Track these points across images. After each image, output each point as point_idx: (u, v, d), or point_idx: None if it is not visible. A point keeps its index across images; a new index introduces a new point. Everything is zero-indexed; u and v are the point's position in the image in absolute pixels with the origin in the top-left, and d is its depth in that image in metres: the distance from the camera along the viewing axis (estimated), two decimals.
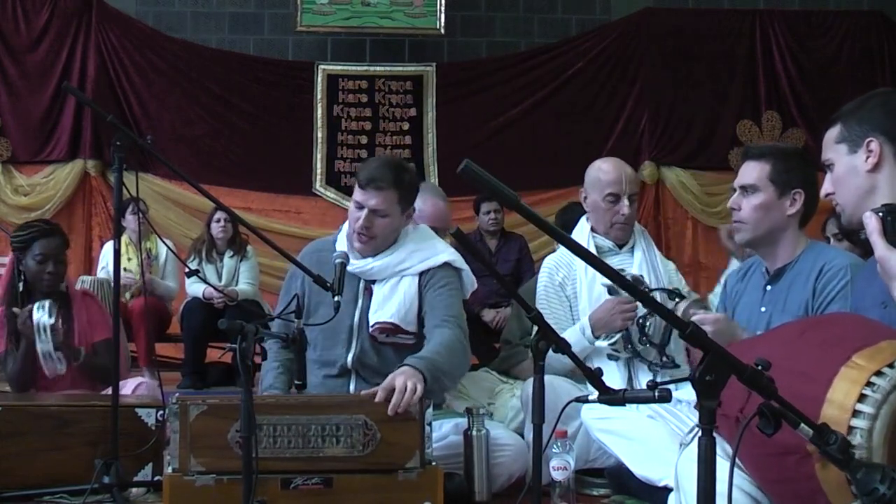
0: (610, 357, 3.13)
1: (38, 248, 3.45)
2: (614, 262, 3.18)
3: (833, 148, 1.97)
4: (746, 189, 2.57)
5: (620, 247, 3.27)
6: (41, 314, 3.25)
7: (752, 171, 2.58)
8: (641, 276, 3.14)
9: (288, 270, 3.15)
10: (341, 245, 3.00)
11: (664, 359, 3.05)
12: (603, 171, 3.24)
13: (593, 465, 3.10)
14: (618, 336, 3.11)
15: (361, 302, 2.95)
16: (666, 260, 3.36)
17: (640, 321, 3.07)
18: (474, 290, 3.17)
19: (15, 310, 3.41)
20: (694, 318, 2.37)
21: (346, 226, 3.03)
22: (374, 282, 2.96)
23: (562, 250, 3.38)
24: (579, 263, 3.22)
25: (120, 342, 3.11)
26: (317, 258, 2.95)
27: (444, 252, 3.01)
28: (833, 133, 1.98)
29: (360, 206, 2.89)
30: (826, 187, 2.01)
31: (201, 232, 6.10)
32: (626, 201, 3.19)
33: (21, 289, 3.45)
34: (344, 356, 2.92)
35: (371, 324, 2.91)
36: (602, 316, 3.10)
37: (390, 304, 2.91)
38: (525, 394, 3.34)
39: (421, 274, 2.96)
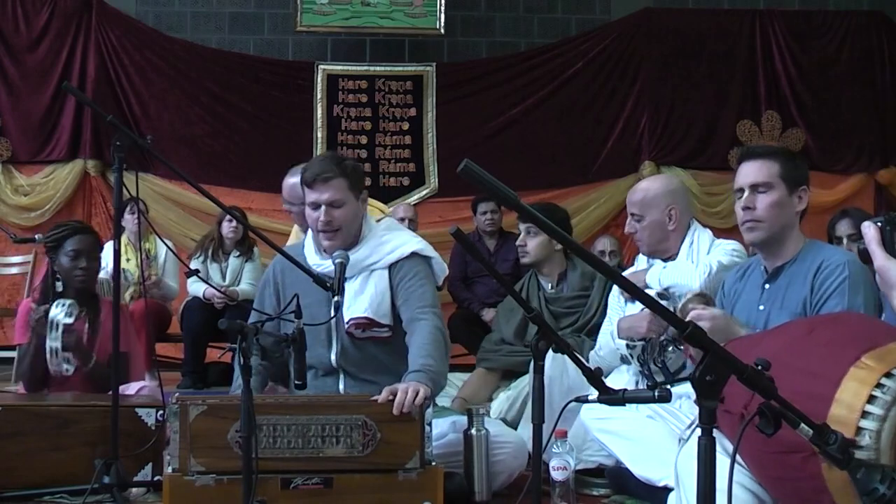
0: (622, 360, 3.20)
1: (71, 244, 3.44)
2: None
3: None
4: (758, 187, 2.55)
5: (666, 261, 3.29)
6: (59, 310, 3.24)
7: (762, 170, 2.55)
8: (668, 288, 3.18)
9: (265, 272, 3.17)
10: (309, 252, 3.01)
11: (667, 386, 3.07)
12: None
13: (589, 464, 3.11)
14: (638, 343, 3.14)
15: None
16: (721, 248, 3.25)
17: (664, 342, 3.10)
18: (446, 275, 3.19)
19: (33, 305, 3.42)
20: (691, 314, 2.38)
21: (310, 235, 3.05)
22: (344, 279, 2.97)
23: (637, 265, 3.45)
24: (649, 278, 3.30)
25: (125, 343, 3.11)
26: (288, 265, 2.93)
27: (410, 242, 3.03)
28: None
29: (316, 205, 2.92)
30: None
31: (211, 229, 6.09)
32: (629, 219, 3.32)
33: (59, 289, 3.41)
34: (327, 355, 2.94)
35: (346, 320, 2.92)
36: (631, 322, 3.15)
37: (362, 298, 2.93)
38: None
39: (390, 267, 2.97)
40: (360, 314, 2.91)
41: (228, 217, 5.88)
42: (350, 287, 2.94)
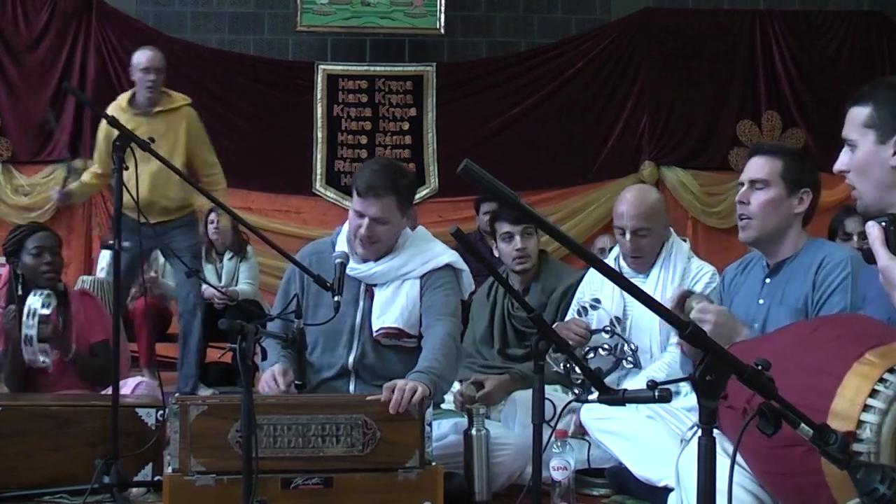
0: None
1: (32, 242, 3.47)
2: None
3: (859, 130, 1.87)
4: (756, 183, 2.54)
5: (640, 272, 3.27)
6: (36, 299, 3.26)
7: (763, 166, 2.55)
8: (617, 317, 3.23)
9: (287, 271, 3.15)
10: (341, 246, 3.00)
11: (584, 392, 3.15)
12: (618, 202, 3.27)
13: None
14: (560, 354, 3.18)
15: (363, 304, 2.95)
16: (696, 274, 3.23)
17: (585, 353, 3.19)
18: (472, 290, 3.18)
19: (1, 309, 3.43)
20: (696, 308, 2.38)
21: (345, 227, 3.02)
22: (374, 284, 2.97)
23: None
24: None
25: (119, 342, 3.12)
26: (316, 259, 2.95)
27: (445, 254, 3.01)
28: (862, 114, 1.87)
29: (361, 215, 2.87)
30: (842, 165, 1.91)
31: (201, 232, 6.08)
32: (627, 236, 3.21)
33: (20, 292, 3.44)
34: (345, 357, 2.93)
35: (375, 329, 2.91)
36: (559, 327, 3.23)
37: (393, 308, 2.91)
38: (508, 404, 3.35)
39: (422, 276, 2.96)
40: (390, 324, 2.90)
41: (210, 219, 5.88)
42: (381, 294, 2.94)
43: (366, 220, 2.86)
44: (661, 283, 3.20)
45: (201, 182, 4.87)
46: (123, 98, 4.97)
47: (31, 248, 3.47)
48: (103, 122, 4.80)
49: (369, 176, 2.87)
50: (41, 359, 3.28)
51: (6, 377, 3.45)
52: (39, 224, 3.73)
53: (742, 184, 2.59)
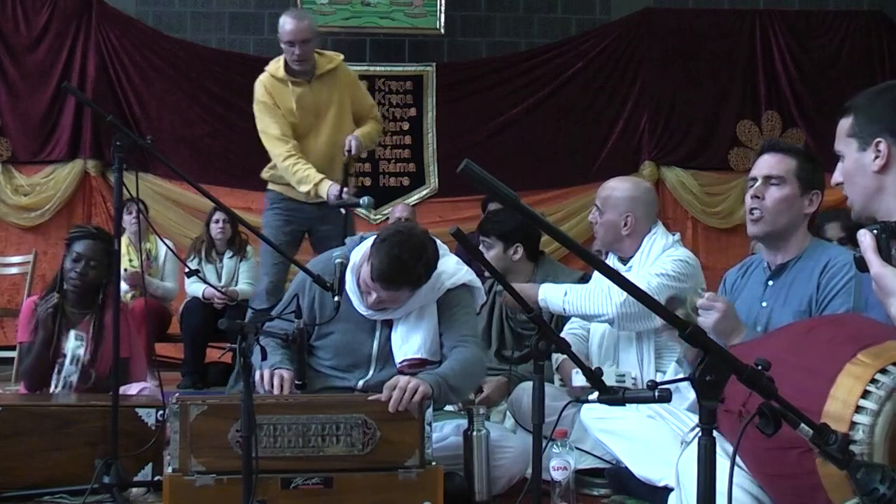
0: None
1: (77, 247, 3.48)
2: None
3: (844, 140, 1.94)
4: (771, 179, 2.55)
5: (621, 260, 3.29)
6: (76, 344, 3.32)
7: (778, 163, 2.56)
8: None
9: (294, 281, 3.12)
10: (352, 290, 2.89)
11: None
12: None
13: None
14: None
15: (379, 333, 2.92)
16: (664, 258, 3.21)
17: None
18: (483, 301, 3.16)
19: (38, 300, 3.46)
20: (705, 297, 2.38)
21: (359, 252, 2.92)
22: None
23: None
24: None
25: (126, 348, 3.13)
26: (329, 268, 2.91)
27: (459, 272, 2.98)
28: (845, 125, 1.93)
29: (374, 291, 2.78)
30: (836, 177, 1.98)
31: (201, 232, 6.09)
32: (593, 209, 3.32)
33: (62, 287, 3.47)
34: (356, 380, 2.91)
35: (399, 360, 2.88)
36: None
37: (414, 338, 2.88)
38: (514, 397, 3.34)
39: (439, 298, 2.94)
40: (413, 355, 2.87)
41: (215, 218, 5.88)
42: (401, 324, 2.90)
43: (375, 296, 2.80)
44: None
45: (368, 122, 4.74)
46: (277, 69, 4.63)
47: (73, 251, 3.48)
48: (260, 96, 4.73)
49: (386, 265, 2.71)
50: (70, 395, 3.34)
51: (26, 374, 3.42)
52: (96, 231, 3.60)
53: (754, 179, 2.59)
